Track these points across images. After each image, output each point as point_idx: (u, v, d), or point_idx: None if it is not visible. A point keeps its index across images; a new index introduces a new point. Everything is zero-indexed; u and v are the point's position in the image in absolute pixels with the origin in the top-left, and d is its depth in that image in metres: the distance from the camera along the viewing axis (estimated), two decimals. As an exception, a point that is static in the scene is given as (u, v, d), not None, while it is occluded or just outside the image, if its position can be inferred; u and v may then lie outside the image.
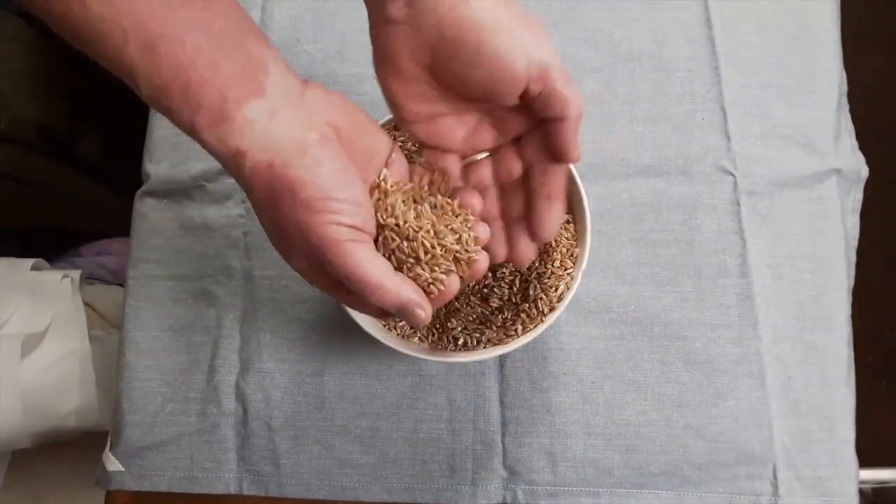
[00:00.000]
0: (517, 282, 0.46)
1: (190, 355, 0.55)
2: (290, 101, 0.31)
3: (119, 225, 0.65)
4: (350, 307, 0.36)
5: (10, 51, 0.71)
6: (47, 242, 0.92)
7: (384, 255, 0.34)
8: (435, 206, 0.36)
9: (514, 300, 0.46)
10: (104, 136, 0.85)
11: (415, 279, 0.34)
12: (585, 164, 0.56)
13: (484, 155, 0.37)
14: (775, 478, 0.51)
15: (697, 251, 0.54)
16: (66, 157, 0.81)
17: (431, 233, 0.34)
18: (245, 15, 0.32)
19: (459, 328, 0.47)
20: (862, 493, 0.52)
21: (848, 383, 0.53)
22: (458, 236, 0.35)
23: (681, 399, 0.52)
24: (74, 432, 0.80)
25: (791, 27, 0.60)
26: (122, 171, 0.82)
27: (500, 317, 0.46)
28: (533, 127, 0.36)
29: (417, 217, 0.35)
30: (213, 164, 0.58)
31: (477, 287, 0.47)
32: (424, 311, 0.33)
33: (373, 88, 0.37)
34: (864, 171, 0.58)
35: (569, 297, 0.44)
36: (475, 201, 0.36)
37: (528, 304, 0.45)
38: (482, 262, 0.36)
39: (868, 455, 0.54)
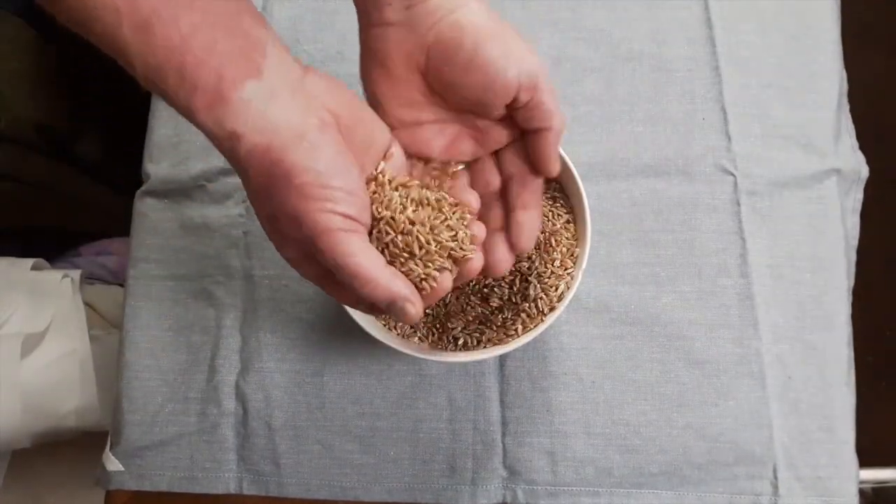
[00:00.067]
0: (517, 281, 0.46)
1: (190, 355, 0.55)
2: (289, 84, 0.30)
3: (119, 225, 0.65)
4: (339, 300, 0.35)
5: (10, 51, 0.71)
6: (47, 242, 0.92)
7: (377, 248, 0.33)
8: (431, 202, 0.35)
9: (514, 300, 0.46)
10: (104, 136, 0.85)
11: (407, 274, 0.33)
12: (585, 164, 0.56)
13: (461, 166, 0.37)
14: (775, 478, 0.51)
15: (697, 251, 0.54)
16: (66, 157, 0.81)
17: (427, 227, 0.34)
18: None
19: (459, 328, 0.47)
20: (862, 493, 0.52)
21: (848, 383, 0.53)
22: (454, 233, 0.34)
23: (681, 399, 0.52)
24: (74, 432, 0.80)
25: (791, 27, 0.60)
26: (122, 171, 0.82)
27: (500, 316, 0.46)
28: (512, 140, 0.36)
29: (414, 211, 0.34)
30: (213, 164, 0.58)
31: (477, 287, 0.47)
32: (415, 308, 0.32)
33: (373, 88, 0.37)
34: (864, 171, 0.58)
35: (569, 296, 0.44)
36: (472, 199, 0.36)
37: (528, 304, 0.45)
38: (476, 261, 0.35)
39: (868, 455, 0.54)
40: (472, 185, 0.38)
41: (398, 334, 0.47)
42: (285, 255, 0.33)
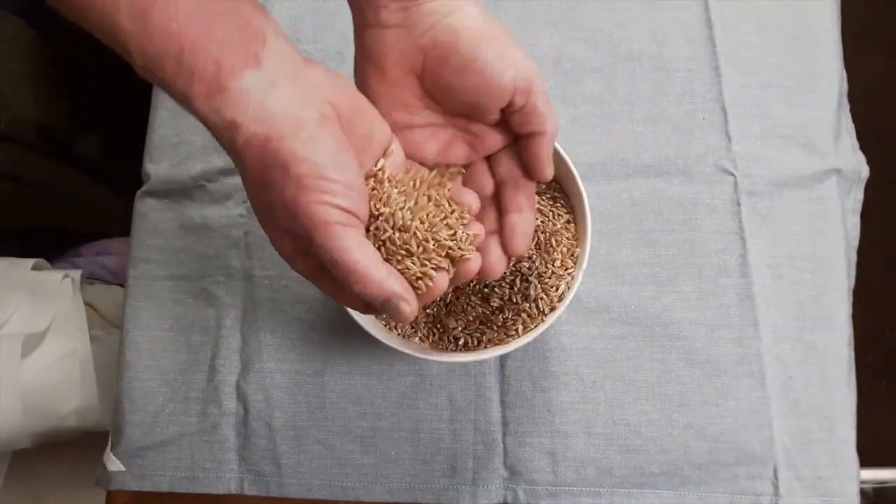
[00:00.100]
0: (518, 281, 0.46)
1: (190, 355, 0.55)
2: (290, 75, 0.30)
3: (119, 225, 0.65)
4: (333, 298, 0.35)
5: (10, 51, 0.71)
6: (47, 242, 0.92)
7: (374, 245, 0.32)
8: (432, 200, 0.34)
9: (514, 300, 0.46)
10: (104, 136, 0.84)
11: (403, 272, 0.33)
12: (585, 164, 0.56)
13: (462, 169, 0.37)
14: (776, 478, 0.51)
15: (698, 251, 0.54)
16: (66, 157, 0.81)
17: (426, 225, 0.33)
18: None
19: (460, 328, 0.47)
20: (862, 493, 0.52)
21: (848, 383, 0.53)
22: (452, 232, 0.34)
23: (681, 399, 0.52)
24: (74, 432, 0.80)
25: (791, 27, 0.60)
26: (122, 171, 0.82)
27: (500, 316, 0.46)
28: (505, 145, 0.36)
29: (412, 209, 0.33)
30: (213, 164, 0.58)
31: (477, 287, 0.47)
32: (410, 307, 0.31)
33: (373, 89, 0.37)
34: (865, 171, 0.58)
35: (569, 296, 0.44)
36: (472, 200, 0.36)
37: (528, 304, 0.45)
38: (474, 262, 0.35)
39: (868, 455, 0.54)
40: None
41: (399, 334, 0.47)
42: (280, 248, 0.33)
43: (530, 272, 0.46)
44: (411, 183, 0.35)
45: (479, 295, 0.47)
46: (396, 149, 0.35)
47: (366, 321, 0.44)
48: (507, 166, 0.37)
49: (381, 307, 0.31)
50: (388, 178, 0.34)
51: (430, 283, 0.33)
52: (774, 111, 0.57)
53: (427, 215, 0.34)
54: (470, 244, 0.35)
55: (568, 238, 0.46)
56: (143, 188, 0.59)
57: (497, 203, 0.38)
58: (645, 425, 0.52)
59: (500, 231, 0.37)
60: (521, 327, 0.45)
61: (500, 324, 0.46)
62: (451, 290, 0.47)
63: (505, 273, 0.47)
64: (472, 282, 0.47)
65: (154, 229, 0.58)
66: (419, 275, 0.33)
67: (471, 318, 0.47)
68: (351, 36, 0.66)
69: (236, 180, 0.57)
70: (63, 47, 0.75)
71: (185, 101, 0.29)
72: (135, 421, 0.54)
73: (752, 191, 0.55)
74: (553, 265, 0.46)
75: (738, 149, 0.56)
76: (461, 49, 0.32)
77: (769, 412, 0.51)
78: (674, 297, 0.54)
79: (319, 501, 0.52)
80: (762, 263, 0.54)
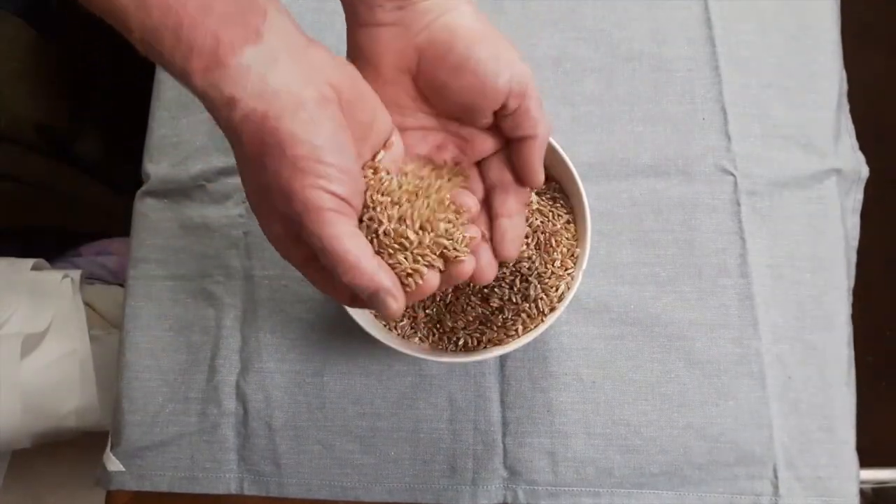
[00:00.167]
0: (518, 282, 0.46)
1: (190, 355, 0.55)
2: (291, 53, 0.29)
3: (119, 225, 0.65)
4: (322, 289, 0.34)
5: (10, 51, 0.71)
6: (47, 242, 0.92)
7: (367, 237, 0.32)
8: (431, 196, 0.34)
9: (514, 300, 0.46)
10: (104, 136, 0.84)
11: (393, 267, 0.32)
12: (585, 164, 0.56)
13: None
14: (776, 478, 0.51)
15: (697, 251, 0.54)
16: (66, 157, 0.81)
17: (424, 218, 0.33)
18: None
19: (460, 328, 0.47)
20: (862, 493, 0.52)
21: (848, 383, 0.53)
22: (449, 231, 0.33)
23: (681, 399, 0.52)
24: (74, 432, 0.80)
25: (791, 27, 0.60)
26: (122, 171, 0.82)
27: (500, 317, 0.46)
28: (496, 150, 0.36)
29: (409, 202, 0.33)
30: (212, 164, 0.58)
31: (477, 287, 0.47)
32: (397, 303, 0.31)
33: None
34: (865, 171, 0.58)
35: (569, 297, 0.44)
36: (471, 203, 0.35)
37: (528, 304, 0.45)
38: (468, 264, 0.34)
39: (868, 455, 0.54)
40: None
41: (399, 335, 0.47)
42: (269, 231, 0.32)
43: (530, 272, 0.46)
44: (410, 175, 0.34)
45: (479, 295, 0.47)
46: (397, 141, 0.34)
47: (366, 321, 0.44)
48: (497, 171, 0.36)
49: (367, 300, 0.31)
50: (386, 169, 0.33)
51: (420, 281, 0.32)
52: (774, 111, 0.57)
53: (425, 211, 0.33)
54: (465, 246, 0.34)
55: (568, 238, 0.46)
56: (143, 188, 0.59)
57: (487, 208, 0.37)
58: (645, 425, 0.52)
59: (491, 236, 0.37)
60: (520, 327, 0.45)
61: (499, 324, 0.46)
62: (450, 290, 0.48)
63: (505, 273, 0.47)
64: (468, 283, 0.47)
65: (154, 229, 0.58)
66: (410, 271, 0.32)
67: (470, 319, 0.47)
68: (351, 36, 0.66)
69: (236, 180, 0.57)
70: (63, 47, 0.75)
71: (183, 76, 0.28)
72: (134, 421, 0.54)
73: (751, 191, 0.55)
74: (553, 265, 0.46)
75: (738, 149, 0.56)
76: (455, 48, 0.32)
77: (769, 412, 0.51)
78: (673, 297, 0.54)
79: (319, 501, 0.52)
80: (762, 263, 0.54)
